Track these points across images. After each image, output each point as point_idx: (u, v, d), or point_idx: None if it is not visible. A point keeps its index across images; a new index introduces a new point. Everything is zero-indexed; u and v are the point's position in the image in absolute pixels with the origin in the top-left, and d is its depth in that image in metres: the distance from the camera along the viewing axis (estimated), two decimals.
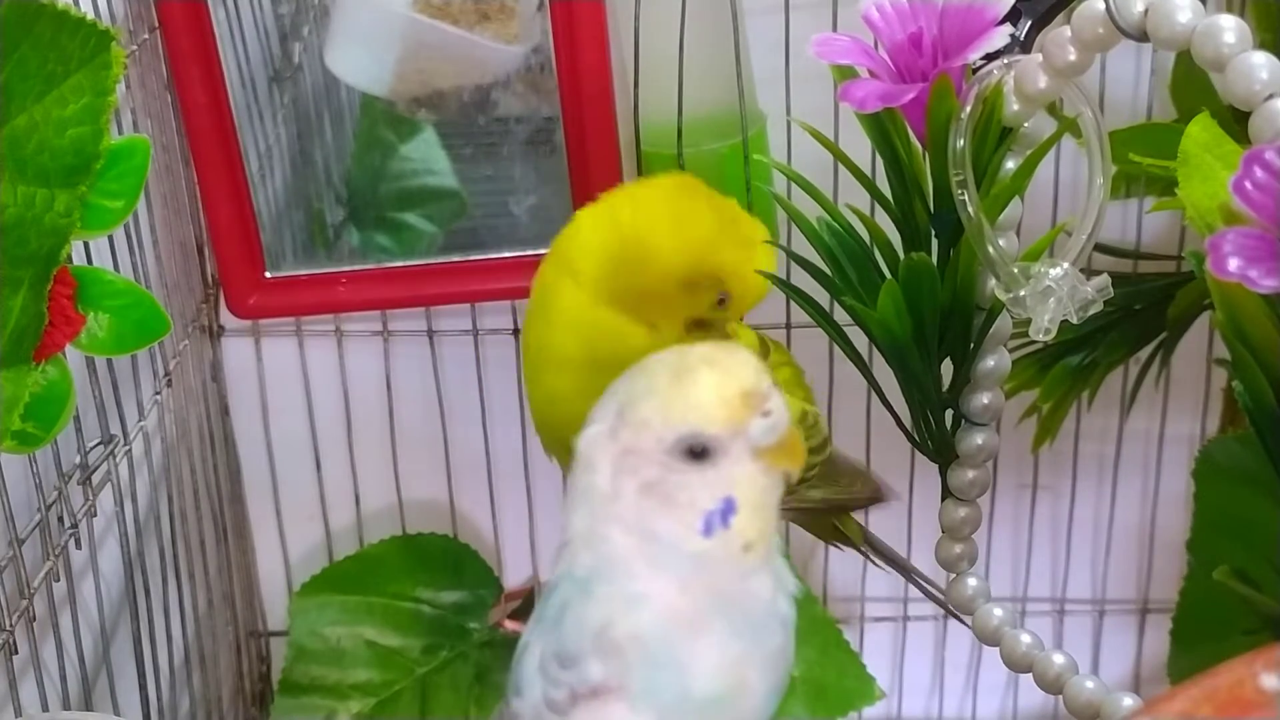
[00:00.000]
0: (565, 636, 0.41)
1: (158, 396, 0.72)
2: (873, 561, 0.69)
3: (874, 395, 0.60)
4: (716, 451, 0.39)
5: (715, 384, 0.39)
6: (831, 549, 0.88)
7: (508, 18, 0.72)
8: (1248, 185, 0.40)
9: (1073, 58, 0.48)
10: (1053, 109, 0.68)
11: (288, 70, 0.78)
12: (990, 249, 0.50)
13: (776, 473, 0.40)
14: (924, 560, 0.70)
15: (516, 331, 0.81)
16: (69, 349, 0.51)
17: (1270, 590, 0.57)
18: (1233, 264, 0.39)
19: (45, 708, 0.59)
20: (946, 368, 0.56)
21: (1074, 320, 0.49)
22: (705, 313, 0.56)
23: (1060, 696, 0.55)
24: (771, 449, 0.39)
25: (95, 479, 0.62)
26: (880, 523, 0.87)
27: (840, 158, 0.56)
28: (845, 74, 0.54)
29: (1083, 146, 0.51)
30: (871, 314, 0.54)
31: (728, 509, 0.39)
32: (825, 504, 0.62)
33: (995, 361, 0.56)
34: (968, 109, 0.51)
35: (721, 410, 0.39)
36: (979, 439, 0.56)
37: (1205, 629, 0.72)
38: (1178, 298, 0.74)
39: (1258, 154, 0.40)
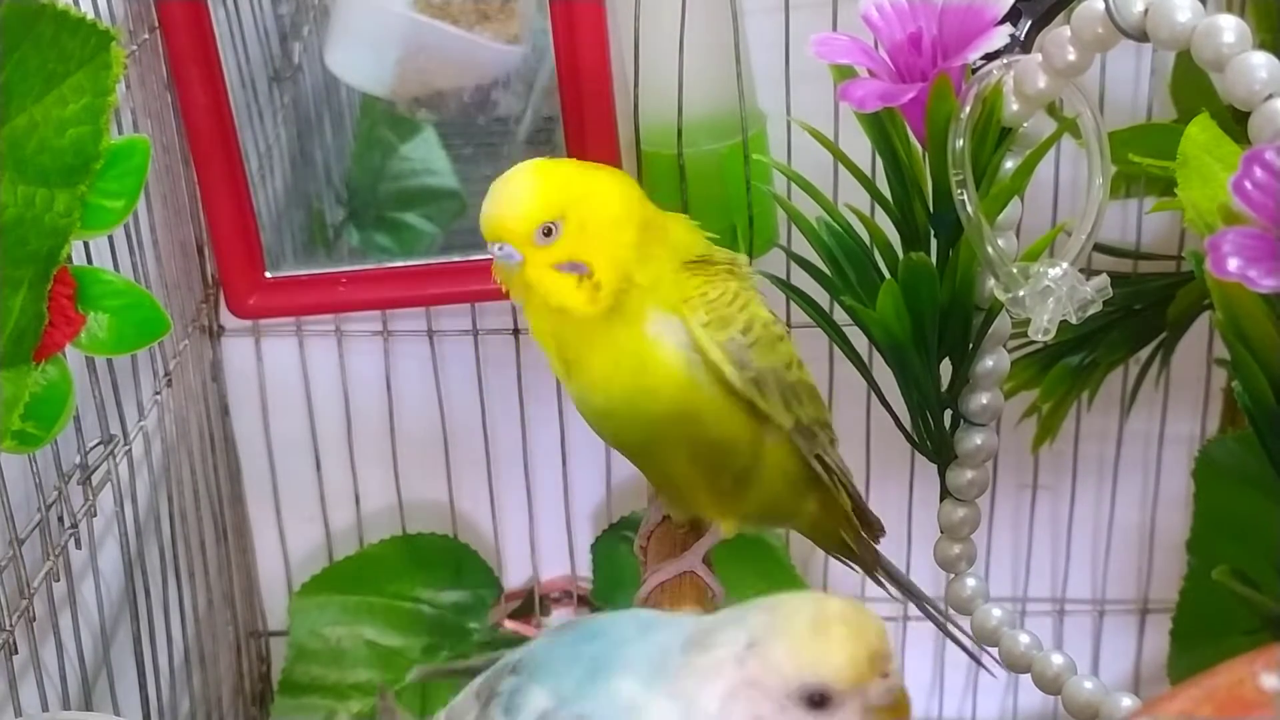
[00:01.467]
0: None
1: (158, 396, 0.72)
2: (879, 584, 0.68)
3: (874, 395, 0.60)
4: (835, 705, 0.39)
5: (850, 642, 0.39)
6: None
7: (508, 18, 0.72)
8: (1247, 185, 0.40)
9: (1072, 58, 0.48)
10: (1052, 109, 0.68)
11: (288, 70, 0.78)
12: (989, 249, 0.50)
13: None
14: (923, 560, 0.70)
15: (517, 331, 0.81)
16: (69, 349, 0.51)
17: (1270, 590, 0.57)
18: (1232, 264, 0.39)
19: (45, 708, 0.59)
20: (945, 368, 0.57)
21: (1073, 320, 0.49)
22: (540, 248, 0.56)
23: (1059, 697, 0.55)
24: (884, 708, 0.40)
25: (95, 479, 0.62)
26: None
27: (840, 158, 0.56)
28: (844, 74, 0.54)
29: (1082, 147, 0.51)
30: (871, 314, 0.54)
31: None
32: (827, 502, 0.62)
33: (994, 362, 0.55)
34: (967, 109, 0.51)
35: (850, 669, 0.39)
36: (978, 439, 0.56)
37: (1205, 629, 0.72)
38: (1178, 298, 0.74)
39: (1257, 154, 0.40)
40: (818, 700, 0.39)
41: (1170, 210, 0.64)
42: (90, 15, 0.47)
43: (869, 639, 0.39)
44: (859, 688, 0.39)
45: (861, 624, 0.40)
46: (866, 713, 0.39)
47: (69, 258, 0.50)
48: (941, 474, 0.58)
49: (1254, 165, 0.40)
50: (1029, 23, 0.53)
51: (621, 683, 0.41)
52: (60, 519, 0.60)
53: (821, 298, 0.60)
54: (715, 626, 0.41)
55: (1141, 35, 0.46)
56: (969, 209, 0.50)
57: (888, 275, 0.55)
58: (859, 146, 0.56)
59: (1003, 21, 0.51)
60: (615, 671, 0.42)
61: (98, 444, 0.63)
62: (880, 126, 0.54)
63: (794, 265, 0.61)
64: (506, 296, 0.78)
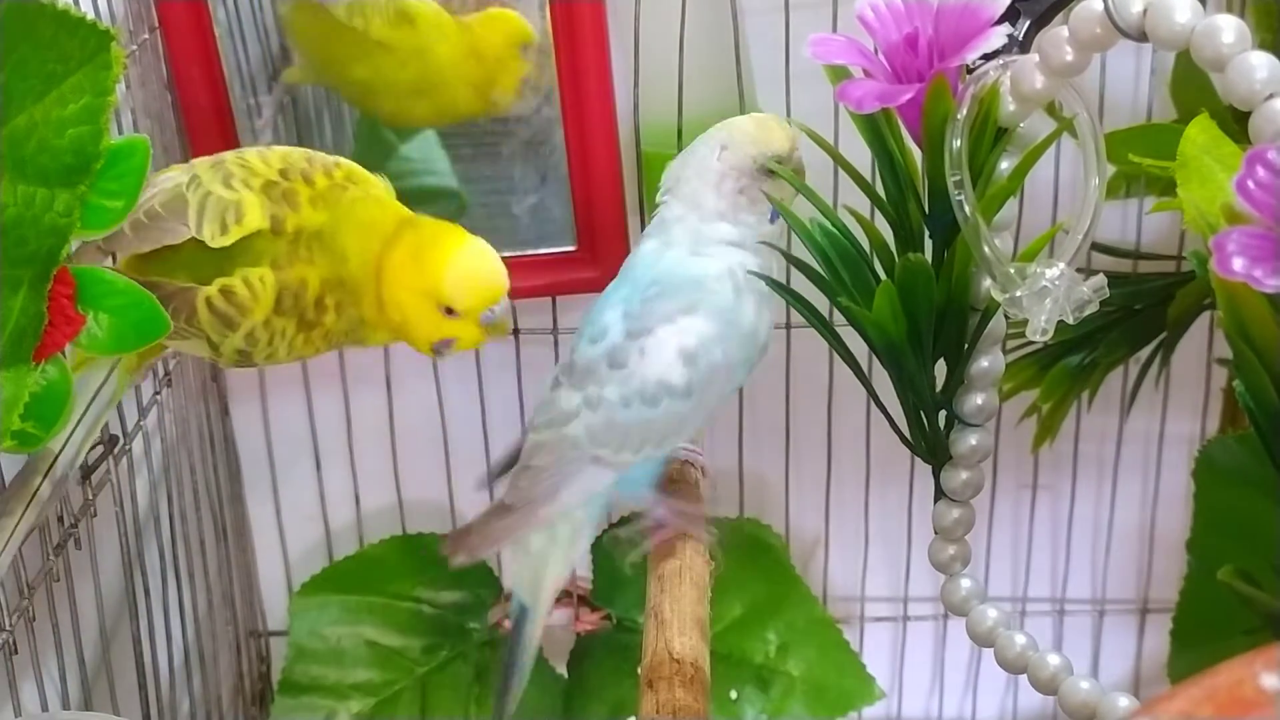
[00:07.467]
0: (652, 285, 0.59)
1: (158, 396, 0.72)
2: None
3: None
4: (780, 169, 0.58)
5: (779, 126, 0.60)
6: (832, 552, 0.88)
7: None
8: (1250, 184, 0.40)
9: (1070, 58, 0.48)
10: (1050, 109, 0.68)
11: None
12: (986, 249, 0.50)
13: None
14: (923, 561, 0.70)
15: (517, 331, 0.81)
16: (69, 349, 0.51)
17: (1270, 590, 0.57)
18: (1237, 263, 0.39)
19: (45, 708, 0.59)
20: (941, 369, 0.56)
21: (1070, 321, 0.49)
22: None
23: (1056, 697, 0.55)
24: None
25: (95, 479, 0.62)
26: (880, 523, 0.88)
27: (837, 158, 0.56)
28: (840, 74, 0.54)
29: (1080, 147, 0.50)
30: (867, 315, 0.54)
31: (775, 210, 0.59)
32: None
33: (989, 362, 0.55)
34: (964, 109, 0.51)
35: (786, 140, 0.60)
36: (973, 440, 0.56)
37: (1205, 629, 0.72)
38: (1178, 298, 0.74)
39: (1260, 153, 0.40)
40: (771, 169, 0.59)
41: (1170, 210, 0.64)
42: (90, 15, 0.47)
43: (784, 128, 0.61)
44: (792, 153, 0.60)
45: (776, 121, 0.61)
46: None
47: (69, 258, 0.50)
48: (936, 475, 0.58)
49: (1256, 165, 0.40)
50: (1028, 23, 0.53)
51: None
52: (60, 519, 0.60)
53: (819, 299, 0.60)
54: None
55: (1140, 35, 0.46)
56: (966, 209, 0.50)
57: (884, 277, 0.55)
58: (859, 147, 0.56)
59: (1001, 21, 0.51)
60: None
61: (98, 444, 0.63)
62: (875, 127, 0.54)
63: (791, 267, 0.61)
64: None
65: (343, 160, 0.60)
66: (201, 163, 0.58)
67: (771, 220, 0.60)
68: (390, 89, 0.73)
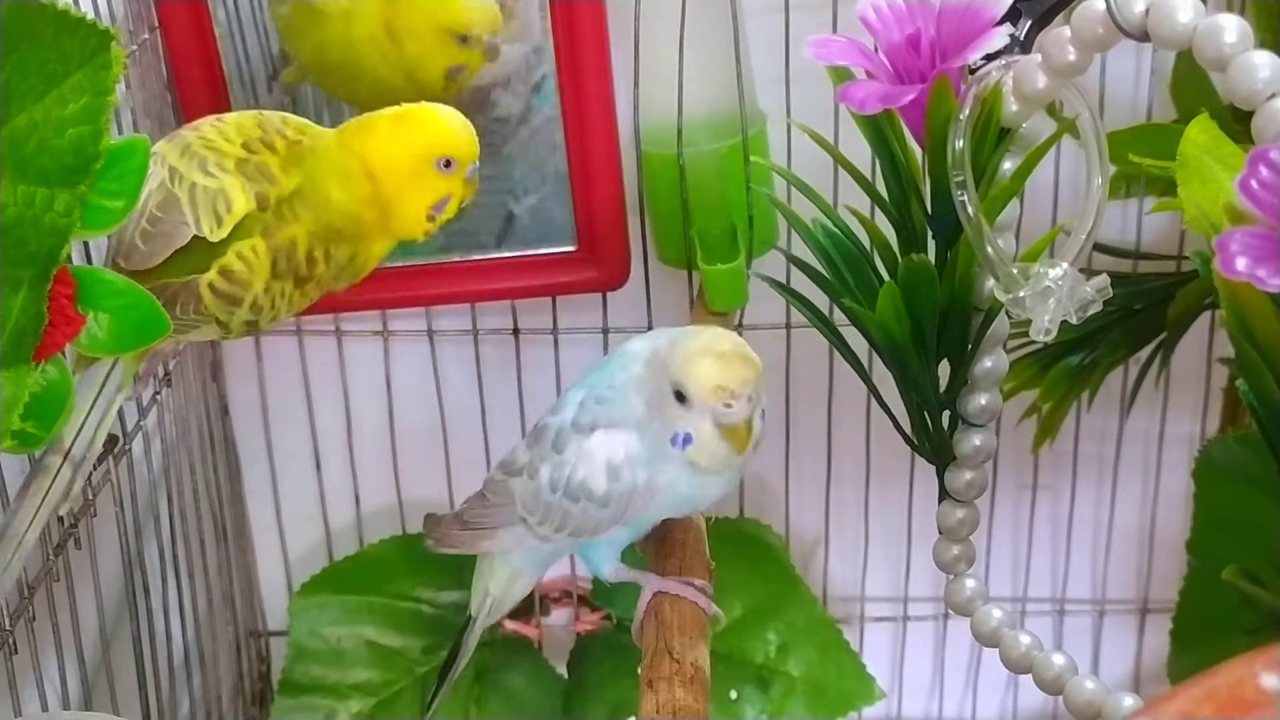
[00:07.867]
0: (611, 396, 0.58)
1: (158, 396, 0.72)
2: None
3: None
4: (693, 405, 0.55)
5: (715, 372, 0.54)
6: (832, 552, 0.88)
7: (508, 18, 0.72)
8: (1253, 184, 0.40)
9: (1072, 58, 0.48)
10: (1051, 109, 0.68)
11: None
12: (990, 250, 0.50)
13: (723, 441, 0.56)
14: (923, 561, 0.70)
15: (517, 331, 0.81)
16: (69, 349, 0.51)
17: (1273, 589, 0.57)
18: (1241, 263, 0.39)
19: (45, 708, 0.59)
20: (944, 369, 0.57)
21: (1074, 320, 0.49)
22: None
23: (1060, 697, 0.55)
24: (724, 427, 0.55)
25: (95, 479, 0.62)
26: (880, 523, 0.88)
27: (838, 158, 0.56)
28: (842, 75, 0.54)
29: (1081, 147, 0.51)
30: (870, 315, 0.54)
31: (688, 439, 0.56)
32: None
33: (993, 363, 0.55)
34: (966, 110, 0.51)
35: (708, 388, 0.54)
36: (976, 440, 0.56)
37: (1205, 629, 0.72)
38: (1178, 298, 0.74)
39: (1262, 153, 0.40)
40: (681, 398, 0.55)
41: (1170, 210, 0.64)
42: (90, 15, 0.47)
43: (733, 379, 0.54)
44: (710, 402, 0.54)
45: (734, 365, 0.54)
46: (716, 423, 0.55)
47: (69, 258, 0.50)
48: (940, 475, 0.58)
49: (1259, 164, 0.40)
50: (1029, 23, 0.53)
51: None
52: (60, 519, 0.60)
53: (820, 299, 0.60)
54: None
55: (1142, 35, 0.46)
56: (969, 210, 0.50)
57: (886, 277, 0.55)
58: (860, 147, 0.56)
59: (1002, 21, 0.51)
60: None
61: None
62: (877, 128, 0.54)
63: (794, 267, 0.61)
64: (506, 297, 0.78)
65: (287, 115, 0.60)
66: (169, 150, 0.58)
67: (673, 443, 0.56)
68: (338, 68, 0.73)
